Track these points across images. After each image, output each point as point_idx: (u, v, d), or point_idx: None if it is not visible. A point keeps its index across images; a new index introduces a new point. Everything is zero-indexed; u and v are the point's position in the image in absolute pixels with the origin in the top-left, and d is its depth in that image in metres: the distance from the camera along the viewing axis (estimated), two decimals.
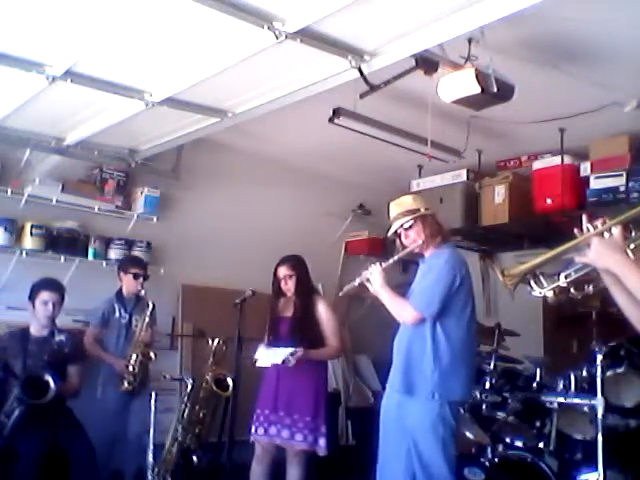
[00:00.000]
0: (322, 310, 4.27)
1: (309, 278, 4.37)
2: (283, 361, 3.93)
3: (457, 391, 3.28)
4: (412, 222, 3.42)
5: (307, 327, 4.17)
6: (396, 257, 3.48)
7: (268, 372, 4.18)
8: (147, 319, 4.52)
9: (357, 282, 3.47)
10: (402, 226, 3.44)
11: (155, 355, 4.58)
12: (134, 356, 4.48)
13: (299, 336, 4.12)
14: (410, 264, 3.68)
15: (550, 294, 2.09)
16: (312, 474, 4.20)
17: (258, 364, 4.09)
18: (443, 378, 3.22)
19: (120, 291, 4.79)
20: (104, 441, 4.42)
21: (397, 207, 3.50)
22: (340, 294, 3.63)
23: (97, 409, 4.53)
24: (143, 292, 4.67)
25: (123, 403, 4.53)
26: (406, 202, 3.51)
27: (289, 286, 4.28)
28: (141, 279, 4.73)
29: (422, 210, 3.45)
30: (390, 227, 3.51)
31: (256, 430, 4.14)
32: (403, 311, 3.34)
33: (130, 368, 4.45)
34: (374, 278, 3.39)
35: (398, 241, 3.49)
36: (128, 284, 4.75)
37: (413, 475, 3.24)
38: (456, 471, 3.33)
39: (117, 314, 4.72)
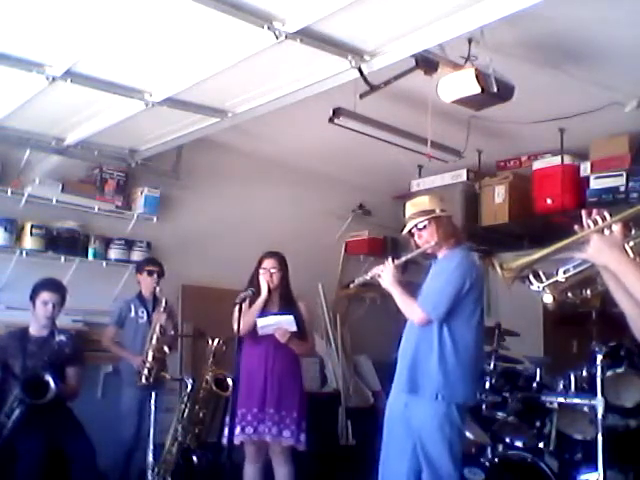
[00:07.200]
0: (303, 309, 4.35)
1: (289, 278, 4.39)
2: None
3: (460, 393, 3.28)
4: (426, 223, 3.41)
5: (295, 321, 4.19)
6: (409, 256, 3.48)
7: (252, 371, 4.12)
8: (162, 309, 4.53)
9: (369, 276, 3.51)
10: (416, 226, 3.44)
11: (170, 348, 4.60)
12: (150, 352, 4.47)
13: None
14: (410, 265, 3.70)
15: (550, 300, 2.08)
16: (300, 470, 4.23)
17: (262, 332, 4.14)
18: (447, 380, 3.23)
19: (140, 293, 4.88)
20: (126, 441, 4.56)
21: (413, 207, 3.50)
22: (351, 286, 3.71)
23: (119, 409, 4.66)
24: (158, 289, 4.72)
25: (143, 402, 4.51)
26: (422, 202, 3.51)
27: (274, 279, 4.26)
28: (155, 276, 4.80)
29: (437, 211, 3.44)
30: (405, 226, 3.51)
31: (243, 430, 4.04)
32: (411, 311, 3.36)
33: (147, 364, 4.44)
34: (385, 274, 3.41)
35: (412, 241, 3.49)
36: (144, 282, 4.85)
37: (418, 474, 3.26)
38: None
39: (133, 314, 4.80)
